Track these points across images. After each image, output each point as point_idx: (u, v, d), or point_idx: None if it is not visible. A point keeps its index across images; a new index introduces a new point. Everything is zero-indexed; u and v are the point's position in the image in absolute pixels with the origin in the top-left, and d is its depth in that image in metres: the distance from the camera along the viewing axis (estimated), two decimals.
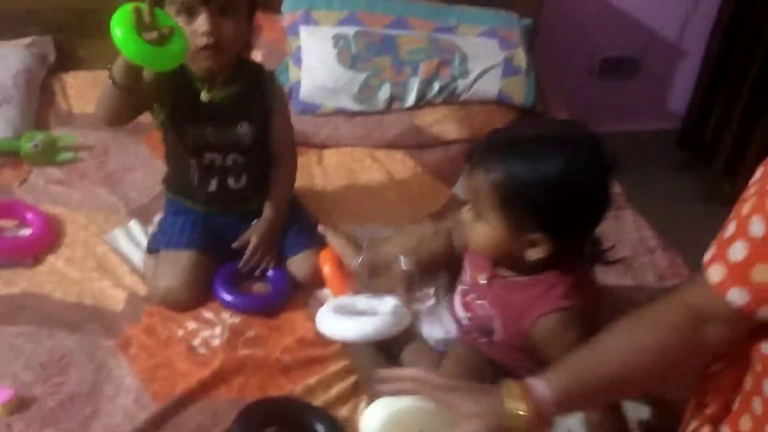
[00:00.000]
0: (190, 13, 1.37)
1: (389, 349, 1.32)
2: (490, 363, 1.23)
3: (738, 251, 0.87)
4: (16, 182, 1.79)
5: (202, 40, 1.38)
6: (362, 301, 1.42)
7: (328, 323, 1.34)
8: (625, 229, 1.77)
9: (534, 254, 1.11)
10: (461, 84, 2.08)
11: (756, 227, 0.85)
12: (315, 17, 2.13)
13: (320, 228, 1.57)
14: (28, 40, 2.14)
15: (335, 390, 1.33)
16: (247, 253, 1.53)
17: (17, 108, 1.93)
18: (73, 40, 2.19)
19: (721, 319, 0.90)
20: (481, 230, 1.14)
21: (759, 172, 0.90)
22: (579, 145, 1.11)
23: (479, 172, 1.11)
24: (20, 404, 1.27)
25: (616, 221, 1.79)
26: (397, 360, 1.31)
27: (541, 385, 0.92)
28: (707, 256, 0.91)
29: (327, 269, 1.51)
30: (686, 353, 0.94)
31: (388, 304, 1.36)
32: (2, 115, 1.89)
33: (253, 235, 1.54)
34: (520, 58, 2.15)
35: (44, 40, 2.16)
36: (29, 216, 1.64)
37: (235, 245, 1.54)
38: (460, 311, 1.27)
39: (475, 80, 2.09)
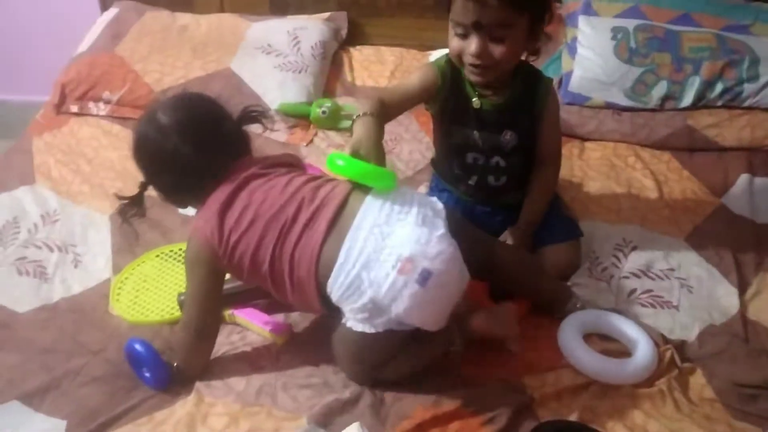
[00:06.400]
0: (465, 34, 1.42)
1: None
2: None
3: None
4: (304, 143, 2.02)
5: (470, 59, 1.43)
6: (617, 319, 1.43)
7: (572, 351, 1.37)
8: None
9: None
10: (747, 88, 1.94)
11: None
12: (596, 8, 2.11)
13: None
14: (326, 15, 2.36)
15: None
16: None
17: (312, 76, 2.14)
18: (363, 17, 2.38)
19: None
20: None
21: None
22: (159, 109, 1.29)
23: None
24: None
25: None
26: None
27: None
28: None
29: None
30: None
31: (637, 331, 1.38)
32: (300, 81, 2.11)
33: (509, 239, 1.56)
34: None
35: (340, 15, 2.37)
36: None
37: None
38: None
39: (765, 85, 1.93)
